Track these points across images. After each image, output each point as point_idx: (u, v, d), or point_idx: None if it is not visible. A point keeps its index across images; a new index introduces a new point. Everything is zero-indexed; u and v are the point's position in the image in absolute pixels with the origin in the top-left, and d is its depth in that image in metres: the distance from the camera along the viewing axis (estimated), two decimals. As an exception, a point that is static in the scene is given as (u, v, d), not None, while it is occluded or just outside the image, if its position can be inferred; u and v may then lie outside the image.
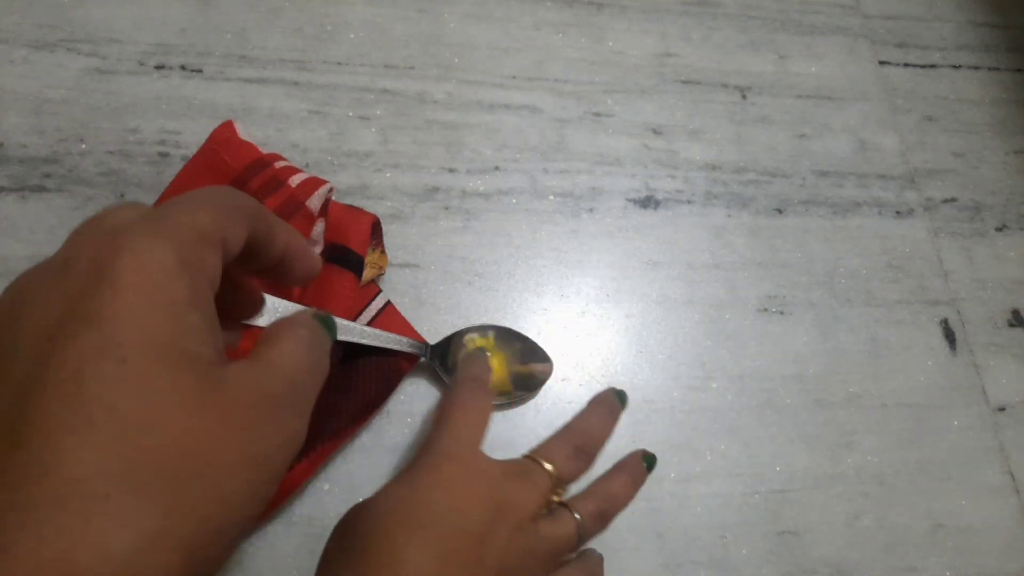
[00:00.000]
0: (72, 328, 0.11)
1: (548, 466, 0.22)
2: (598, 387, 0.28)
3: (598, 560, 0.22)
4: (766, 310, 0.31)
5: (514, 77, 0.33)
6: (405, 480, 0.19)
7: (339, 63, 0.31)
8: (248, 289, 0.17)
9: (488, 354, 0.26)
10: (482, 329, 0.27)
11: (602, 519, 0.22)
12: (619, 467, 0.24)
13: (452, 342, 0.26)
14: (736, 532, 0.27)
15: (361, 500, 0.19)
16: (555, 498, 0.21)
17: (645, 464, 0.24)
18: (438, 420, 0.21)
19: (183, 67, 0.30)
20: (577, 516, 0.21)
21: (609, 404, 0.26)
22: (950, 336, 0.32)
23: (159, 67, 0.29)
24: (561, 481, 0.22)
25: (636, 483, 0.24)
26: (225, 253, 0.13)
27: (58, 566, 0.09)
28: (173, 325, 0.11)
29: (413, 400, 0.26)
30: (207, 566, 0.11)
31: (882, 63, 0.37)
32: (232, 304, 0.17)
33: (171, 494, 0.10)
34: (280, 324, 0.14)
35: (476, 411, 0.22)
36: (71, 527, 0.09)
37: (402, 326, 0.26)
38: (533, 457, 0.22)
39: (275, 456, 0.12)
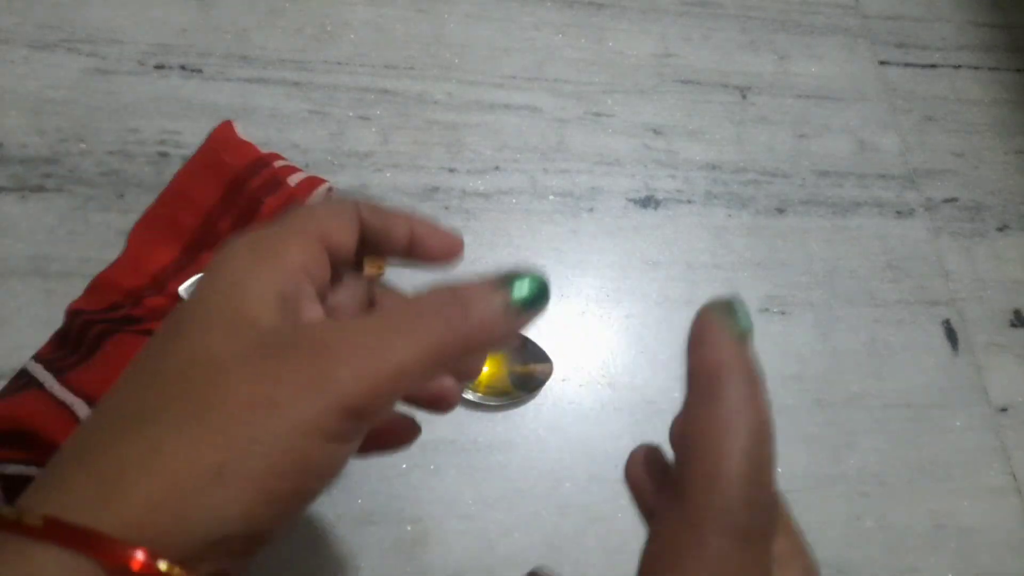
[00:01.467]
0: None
1: None
2: (598, 387, 0.28)
3: None
4: (767, 310, 0.31)
5: (514, 77, 0.33)
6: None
7: (339, 63, 0.31)
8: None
9: None
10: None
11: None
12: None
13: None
14: (737, 533, 0.27)
15: None
16: None
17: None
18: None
19: (183, 67, 0.30)
20: None
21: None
22: (951, 336, 0.32)
23: (159, 67, 0.29)
24: None
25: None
26: (334, 248, 0.14)
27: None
28: (238, 297, 0.12)
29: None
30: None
31: (882, 63, 0.37)
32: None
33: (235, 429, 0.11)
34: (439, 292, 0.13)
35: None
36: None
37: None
38: None
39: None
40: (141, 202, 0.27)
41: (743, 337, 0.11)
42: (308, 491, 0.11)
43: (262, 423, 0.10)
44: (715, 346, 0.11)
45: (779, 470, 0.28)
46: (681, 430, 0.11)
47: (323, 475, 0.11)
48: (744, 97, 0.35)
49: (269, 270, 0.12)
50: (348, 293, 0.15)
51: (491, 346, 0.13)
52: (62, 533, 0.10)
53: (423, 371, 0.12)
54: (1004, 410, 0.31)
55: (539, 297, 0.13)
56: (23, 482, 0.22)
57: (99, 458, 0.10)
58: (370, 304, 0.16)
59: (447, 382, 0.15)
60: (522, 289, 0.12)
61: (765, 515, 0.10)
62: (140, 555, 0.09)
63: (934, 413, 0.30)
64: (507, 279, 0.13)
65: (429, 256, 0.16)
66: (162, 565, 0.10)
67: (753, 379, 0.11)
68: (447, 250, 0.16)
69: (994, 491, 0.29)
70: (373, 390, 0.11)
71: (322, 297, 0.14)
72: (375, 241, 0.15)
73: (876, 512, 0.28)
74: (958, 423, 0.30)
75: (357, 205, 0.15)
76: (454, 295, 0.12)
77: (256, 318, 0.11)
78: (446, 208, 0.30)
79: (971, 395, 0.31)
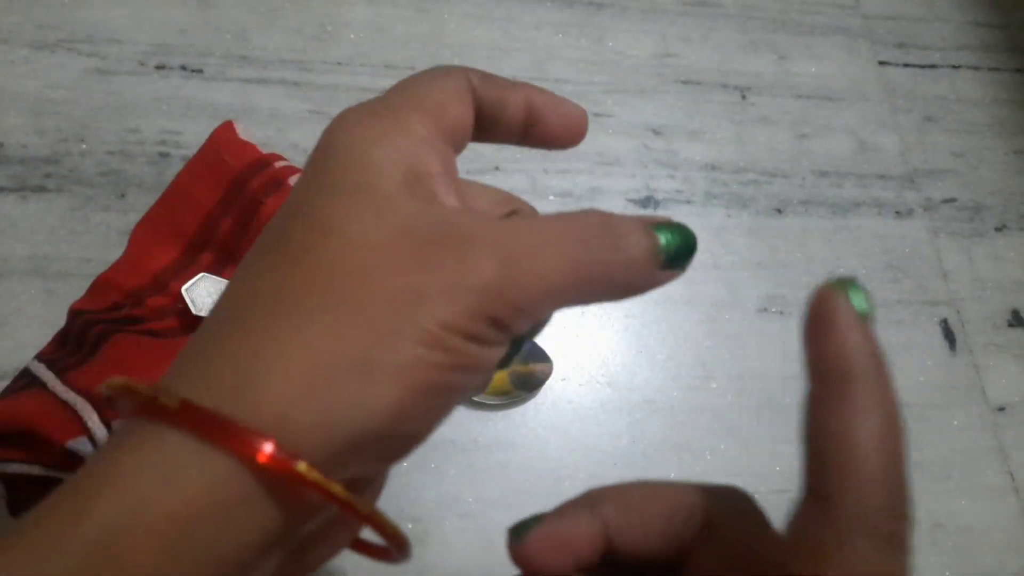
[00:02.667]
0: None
1: None
2: (598, 387, 0.28)
3: None
4: (766, 310, 0.31)
5: (514, 77, 0.33)
6: None
7: (339, 63, 0.31)
8: None
9: None
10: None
11: None
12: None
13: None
14: (736, 532, 0.27)
15: None
16: None
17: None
18: None
19: (183, 67, 0.30)
20: None
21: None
22: (950, 336, 0.32)
23: (159, 67, 0.29)
24: None
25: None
26: (452, 125, 0.12)
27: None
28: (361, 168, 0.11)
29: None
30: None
31: (882, 63, 0.37)
32: None
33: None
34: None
35: None
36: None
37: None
38: None
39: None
40: (141, 202, 0.27)
41: (868, 321, 0.10)
42: (456, 386, 0.10)
43: (410, 314, 0.09)
44: (843, 333, 0.10)
45: (778, 469, 0.28)
46: (815, 429, 0.10)
47: (469, 369, 0.10)
48: (744, 97, 0.35)
49: (395, 141, 0.11)
50: (480, 192, 0.14)
51: (630, 290, 0.11)
52: (197, 419, 0.09)
53: (564, 294, 0.11)
54: (1002, 410, 0.31)
55: (686, 252, 0.11)
56: (25, 481, 0.22)
57: (237, 343, 0.10)
58: (510, 212, 0.14)
59: None
60: (672, 240, 0.11)
61: (905, 522, 0.10)
62: (269, 448, 0.09)
63: (932, 413, 0.30)
64: (659, 225, 0.11)
65: (550, 134, 0.14)
66: (301, 467, 0.09)
67: (885, 371, 0.10)
68: (571, 126, 0.14)
69: (992, 491, 0.30)
70: (516, 302, 0.10)
71: (453, 186, 0.12)
72: (489, 116, 0.13)
73: (874, 511, 0.28)
74: (956, 423, 0.30)
75: (467, 73, 0.13)
76: (605, 224, 0.11)
77: (392, 195, 0.10)
78: (446, 208, 0.30)
79: (969, 395, 0.31)
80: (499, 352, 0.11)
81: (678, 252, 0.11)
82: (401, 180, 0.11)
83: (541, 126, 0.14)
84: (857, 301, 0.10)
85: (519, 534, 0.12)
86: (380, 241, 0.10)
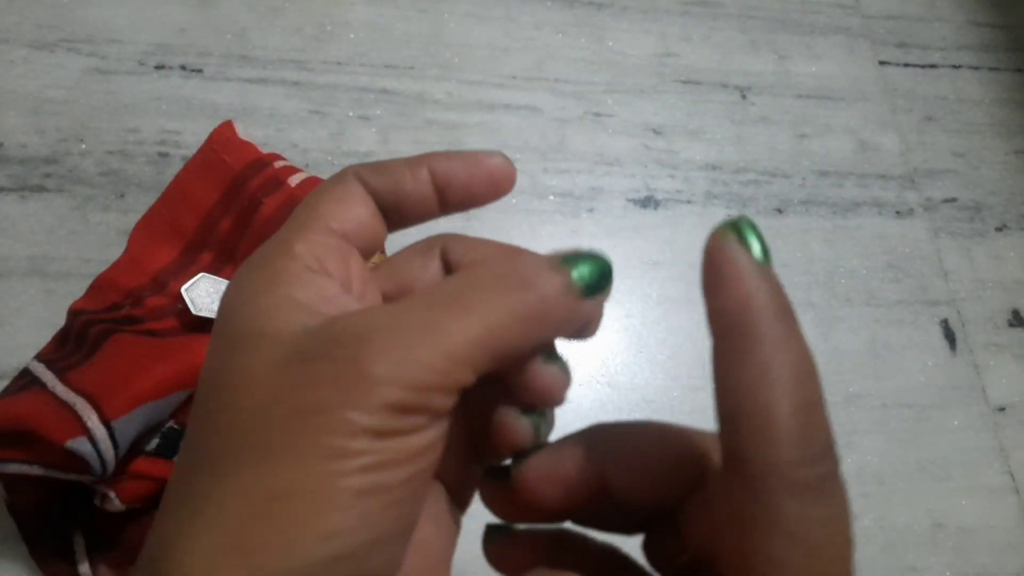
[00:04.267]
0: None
1: None
2: (598, 387, 0.28)
3: None
4: (766, 310, 0.31)
5: (514, 77, 0.33)
6: None
7: (339, 63, 0.31)
8: None
9: None
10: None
11: None
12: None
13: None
14: (736, 532, 0.27)
15: None
16: None
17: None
18: None
19: (183, 67, 0.30)
20: None
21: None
22: (950, 336, 0.32)
23: (159, 67, 0.29)
24: None
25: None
26: (351, 233, 0.12)
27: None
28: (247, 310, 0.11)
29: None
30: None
31: (882, 63, 0.37)
32: None
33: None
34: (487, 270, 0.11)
35: None
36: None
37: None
38: None
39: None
40: (141, 202, 0.27)
41: (764, 262, 0.10)
42: (392, 482, 0.10)
43: (311, 434, 0.09)
44: (736, 279, 0.09)
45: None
46: (721, 388, 0.10)
47: (394, 463, 0.10)
48: (744, 97, 0.35)
49: (281, 282, 0.11)
50: (478, 251, 0.13)
51: (557, 330, 0.11)
52: None
53: (476, 357, 0.10)
54: (1002, 410, 0.31)
55: (603, 278, 0.11)
56: (24, 481, 0.22)
57: (160, 517, 0.10)
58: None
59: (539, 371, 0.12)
60: (584, 269, 0.11)
61: (829, 463, 0.09)
62: None
63: (933, 413, 0.30)
64: (567, 259, 0.11)
65: (471, 196, 0.13)
66: None
67: (786, 312, 0.09)
68: (492, 180, 0.13)
69: (992, 490, 0.29)
70: (417, 383, 0.10)
71: (361, 290, 0.12)
72: (392, 206, 0.12)
73: (875, 512, 0.28)
74: (956, 423, 0.30)
75: (358, 174, 0.12)
76: (511, 268, 0.10)
77: (280, 331, 0.10)
78: (446, 208, 0.30)
79: (969, 395, 0.31)
80: (429, 435, 0.10)
81: (594, 280, 0.11)
82: (291, 315, 0.11)
83: (455, 193, 0.13)
84: (752, 243, 0.10)
85: (498, 475, 0.12)
86: (265, 376, 0.10)
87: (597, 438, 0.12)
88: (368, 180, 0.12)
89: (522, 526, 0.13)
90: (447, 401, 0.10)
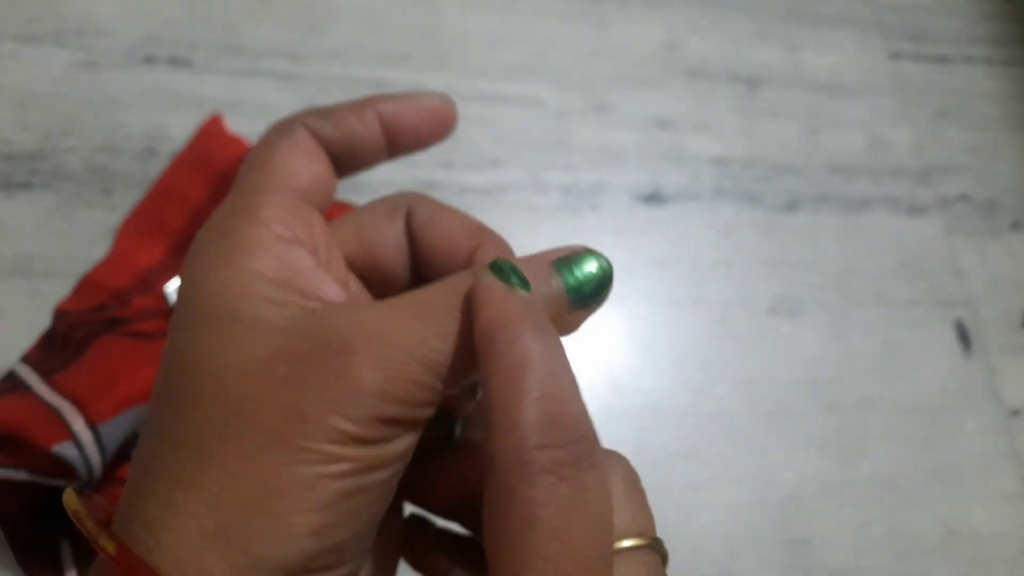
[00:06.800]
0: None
1: None
2: (602, 391, 0.27)
3: None
4: (776, 311, 0.30)
5: (514, 68, 0.32)
6: None
7: (332, 54, 0.30)
8: None
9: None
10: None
11: None
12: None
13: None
14: (744, 542, 0.26)
15: None
16: None
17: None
18: None
19: (172, 59, 0.29)
20: None
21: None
22: (964, 337, 0.31)
23: (147, 60, 0.28)
24: None
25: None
26: (308, 189, 0.12)
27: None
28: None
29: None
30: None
31: (894, 56, 0.36)
32: None
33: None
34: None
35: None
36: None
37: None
38: None
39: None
40: (128, 199, 0.26)
41: (512, 288, 0.10)
42: (370, 484, 0.10)
43: (298, 438, 0.09)
44: (486, 307, 0.10)
45: (788, 476, 0.27)
46: (481, 396, 0.10)
47: (374, 468, 0.10)
48: (753, 89, 0.34)
49: (248, 254, 0.10)
50: (448, 221, 0.13)
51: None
52: (129, 565, 0.09)
53: (461, 374, 0.10)
54: (1016, 413, 0.30)
55: (599, 290, 0.11)
56: (9, 487, 0.21)
57: (147, 497, 0.10)
58: (476, 247, 0.13)
59: None
60: (580, 276, 0.11)
61: (572, 450, 0.09)
62: None
63: (946, 417, 0.30)
64: (564, 262, 0.11)
65: (418, 138, 0.13)
66: None
67: (531, 322, 0.10)
68: (437, 119, 0.13)
69: (1006, 497, 0.29)
70: (408, 400, 0.10)
71: (327, 256, 0.11)
72: (346, 153, 0.12)
73: (887, 518, 0.27)
74: (970, 427, 0.30)
75: (305, 121, 0.12)
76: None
77: (257, 317, 0.10)
78: (444, 205, 0.29)
79: (983, 398, 0.30)
80: (408, 440, 0.10)
81: (589, 290, 0.11)
82: (265, 295, 0.10)
83: (403, 135, 0.13)
84: (502, 276, 0.10)
85: (444, 434, 0.13)
86: (253, 369, 0.10)
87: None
88: (319, 129, 0.12)
89: (441, 524, 0.13)
90: (430, 412, 0.10)
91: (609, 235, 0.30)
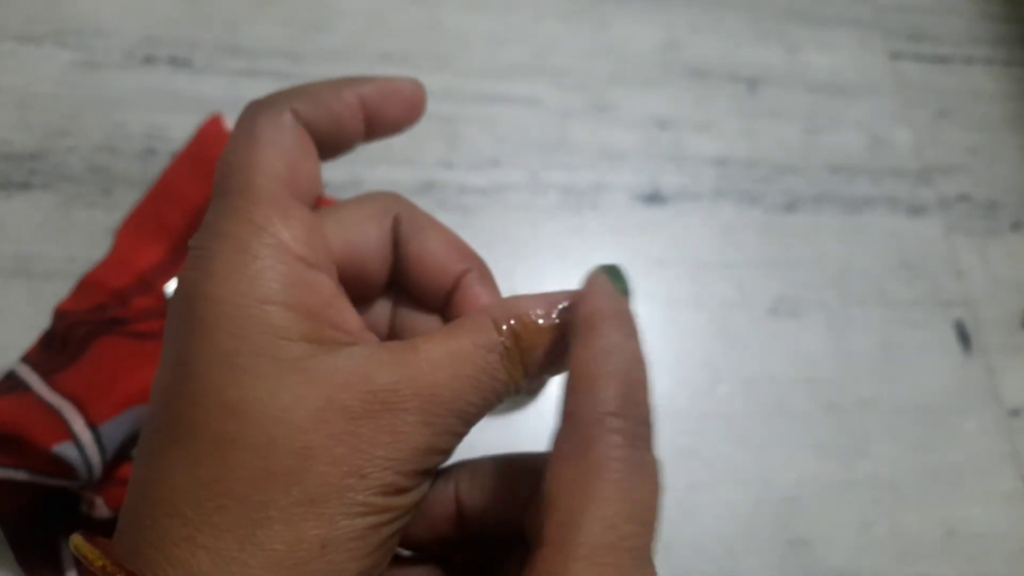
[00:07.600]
0: None
1: None
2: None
3: None
4: (776, 311, 0.30)
5: (514, 68, 0.32)
6: None
7: (332, 54, 0.30)
8: None
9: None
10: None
11: None
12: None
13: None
14: (745, 541, 0.26)
15: None
16: None
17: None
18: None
19: (171, 59, 0.29)
20: None
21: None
22: (964, 337, 0.31)
23: (147, 60, 0.28)
24: None
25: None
26: (304, 187, 0.12)
27: None
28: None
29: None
30: None
31: (894, 56, 0.36)
32: None
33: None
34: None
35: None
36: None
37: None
38: None
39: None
40: (128, 199, 0.26)
41: (622, 293, 0.12)
42: (397, 528, 0.11)
43: (354, 494, 0.10)
44: (595, 298, 0.12)
45: (788, 476, 0.27)
46: (569, 366, 0.11)
47: (404, 516, 0.11)
48: (753, 90, 0.34)
49: (271, 274, 0.10)
50: (434, 245, 0.13)
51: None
52: None
53: (482, 412, 0.11)
54: (1017, 413, 0.30)
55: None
56: (9, 487, 0.21)
57: (186, 550, 0.09)
58: (463, 272, 0.13)
59: None
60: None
61: (643, 427, 0.11)
62: None
63: (946, 417, 0.30)
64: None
65: (394, 122, 0.13)
66: None
67: (628, 323, 0.12)
68: (411, 105, 0.13)
69: (1006, 497, 0.29)
70: (445, 448, 0.11)
71: (320, 259, 0.11)
72: (331, 139, 0.12)
73: (887, 519, 0.27)
74: (970, 427, 0.30)
75: (291, 105, 0.11)
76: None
77: (299, 358, 0.10)
78: (442, 204, 0.29)
79: (983, 398, 0.30)
80: (426, 487, 0.11)
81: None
82: (302, 332, 0.10)
83: (381, 120, 0.13)
84: (616, 280, 0.12)
85: None
86: (306, 424, 0.10)
87: (452, 473, 0.13)
88: (306, 114, 0.12)
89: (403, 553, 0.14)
90: (446, 460, 0.11)
91: (608, 235, 0.30)
